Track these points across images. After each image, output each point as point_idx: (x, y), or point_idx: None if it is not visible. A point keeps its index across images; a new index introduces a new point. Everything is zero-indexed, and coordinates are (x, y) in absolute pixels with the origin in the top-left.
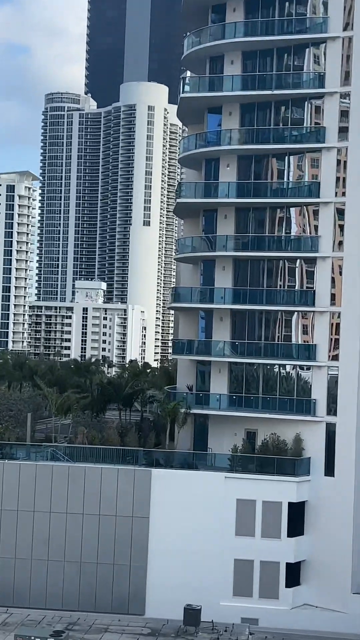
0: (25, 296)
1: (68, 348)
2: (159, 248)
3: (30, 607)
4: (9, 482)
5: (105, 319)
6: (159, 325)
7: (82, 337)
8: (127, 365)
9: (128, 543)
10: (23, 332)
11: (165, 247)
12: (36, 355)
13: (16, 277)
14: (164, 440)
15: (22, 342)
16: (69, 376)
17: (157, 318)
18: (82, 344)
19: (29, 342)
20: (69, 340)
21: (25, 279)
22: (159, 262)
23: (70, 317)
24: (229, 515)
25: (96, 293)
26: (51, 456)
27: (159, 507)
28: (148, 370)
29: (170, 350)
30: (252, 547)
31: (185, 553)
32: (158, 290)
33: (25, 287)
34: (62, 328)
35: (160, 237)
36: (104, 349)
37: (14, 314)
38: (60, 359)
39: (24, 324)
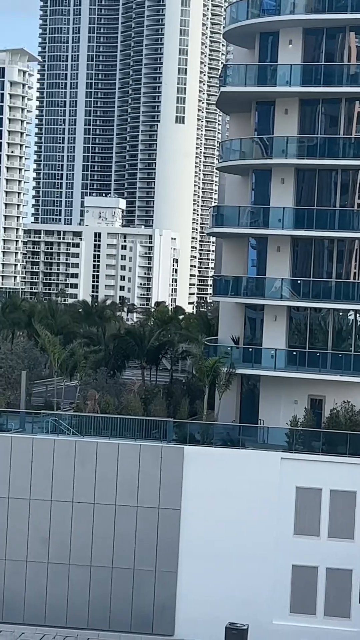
0: (18, 217)
1: (75, 286)
2: (197, 154)
3: (24, 624)
4: None
5: (124, 248)
6: (195, 258)
7: (94, 271)
8: (152, 310)
9: (153, 542)
10: (16, 265)
11: (204, 153)
12: (33, 296)
13: (6, 192)
14: (200, 409)
15: (14, 277)
16: (77, 323)
17: (192, 248)
18: (93, 281)
19: (24, 278)
20: (75, 275)
21: (19, 193)
22: (196, 172)
23: (77, 244)
24: (285, 508)
25: (112, 213)
26: (52, 428)
27: (194, 496)
28: (181, 317)
29: (210, 291)
30: (316, 550)
31: (227, 556)
32: (195, 210)
33: (18, 205)
34: (67, 259)
35: (198, 138)
36: (122, 288)
37: (4, 239)
38: (64, 300)
39: (16, 253)
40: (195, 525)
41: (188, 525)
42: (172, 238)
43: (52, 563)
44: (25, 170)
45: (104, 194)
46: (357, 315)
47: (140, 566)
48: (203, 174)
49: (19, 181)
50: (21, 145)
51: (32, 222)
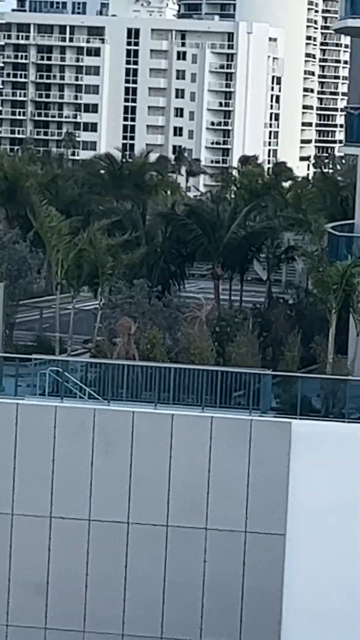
0: None
1: (92, 128)
2: None
3: None
4: None
5: (181, 57)
6: (312, 75)
7: (126, 100)
8: (234, 172)
9: (236, 593)
10: None
11: None
12: (17, 146)
13: None
14: (322, 352)
15: None
16: (96, 195)
17: (308, 57)
18: (124, 119)
19: None
20: (93, 108)
21: None
22: None
23: (96, 51)
24: None
25: None
26: (53, 385)
27: (309, 510)
28: (286, 184)
29: (339, 137)
30: None
31: None
32: None
33: None
34: (77, 79)
35: None
36: (177, 132)
37: None
38: (73, 153)
39: None
40: (311, 564)
41: (298, 564)
42: (269, 39)
43: (52, 629)
44: None
45: None
46: None
47: (213, 634)
48: None
49: None
50: None
51: (13, 10)
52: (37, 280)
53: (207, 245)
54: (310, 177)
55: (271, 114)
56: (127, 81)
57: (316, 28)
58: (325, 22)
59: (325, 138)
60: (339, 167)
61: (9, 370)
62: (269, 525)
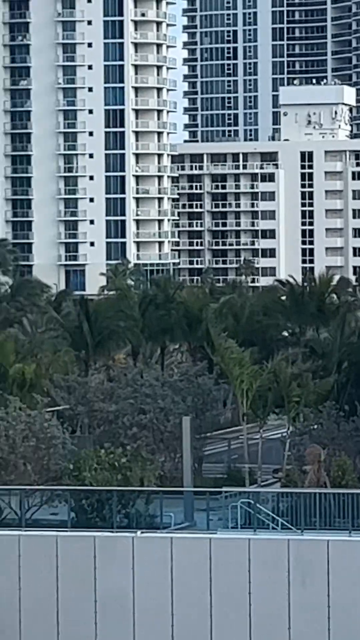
0: (160, 132)
1: (271, 254)
2: None
3: None
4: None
5: (357, 177)
6: None
7: (304, 224)
8: None
9: None
10: (160, 221)
11: None
12: (196, 276)
13: (136, 87)
14: None
15: (159, 244)
16: (277, 322)
17: None
18: (303, 242)
19: (176, 245)
20: (271, 234)
21: (159, 89)
22: None
23: (271, 177)
24: None
25: (332, 115)
26: (245, 518)
27: None
28: None
29: None
30: None
31: None
32: None
33: (159, 112)
34: (252, 205)
35: None
36: (357, 253)
37: (136, 176)
38: (253, 281)
39: (160, 200)
40: None
41: None
42: None
43: None
44: (168, 45)
45: (313, 81)
46: None
47: None
48: None
49: (158, 67)
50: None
51: (185, 142)
52: (224, 412)
53: None
54: None
55: None
56: (303, 204)
57: None
58: None
59: None
60: None
61: (200, 504)
62: None
